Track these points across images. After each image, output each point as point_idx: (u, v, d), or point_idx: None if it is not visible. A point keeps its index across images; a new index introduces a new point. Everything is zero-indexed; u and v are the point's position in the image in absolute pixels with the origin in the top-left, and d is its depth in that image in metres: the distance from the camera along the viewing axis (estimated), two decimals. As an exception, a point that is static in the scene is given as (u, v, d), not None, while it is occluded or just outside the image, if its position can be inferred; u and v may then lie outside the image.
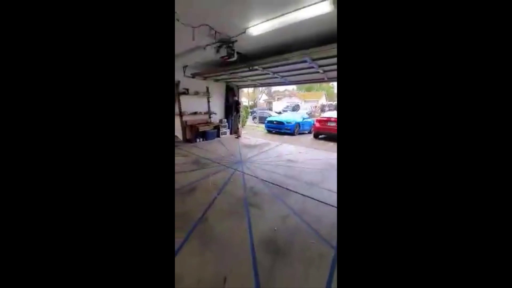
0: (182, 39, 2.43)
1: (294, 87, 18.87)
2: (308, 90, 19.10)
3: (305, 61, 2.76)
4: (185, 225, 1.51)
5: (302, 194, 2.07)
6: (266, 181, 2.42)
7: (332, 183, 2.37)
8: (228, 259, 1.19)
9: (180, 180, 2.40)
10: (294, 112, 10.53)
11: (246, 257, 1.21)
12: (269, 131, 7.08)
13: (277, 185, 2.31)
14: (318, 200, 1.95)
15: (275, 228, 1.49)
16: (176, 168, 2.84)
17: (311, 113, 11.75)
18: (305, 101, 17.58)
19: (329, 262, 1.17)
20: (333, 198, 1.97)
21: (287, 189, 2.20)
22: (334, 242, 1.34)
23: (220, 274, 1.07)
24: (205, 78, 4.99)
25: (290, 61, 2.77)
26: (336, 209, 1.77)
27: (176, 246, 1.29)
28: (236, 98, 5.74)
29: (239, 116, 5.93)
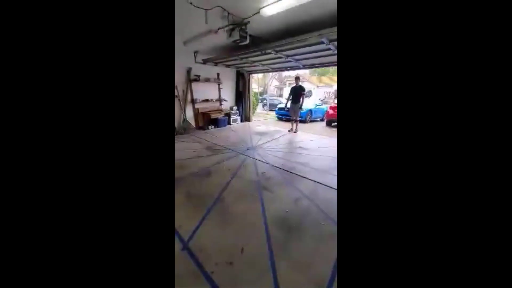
0: (194, 23, 2.38)
1: (306, 71, 17.86)
2: (322, 74, 17.99)
3: (322, 43, 2.60)
4: (204, 204, 1.66)
5: (313, 180, 2.12)
6: (277, 167, 2.49)
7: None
8: (244, 234, 1.31)
9: (197, 164, 2.56)
10: (306, 99, 10.14)
11: (261, 233, 1.32)
12: (280, 119, 6.98)
13: (288, 171, 2.37)
14: (329, 186, 1.99)
15: (287, 210, 1.59)
16: (192, 154, 3.01)
17: (324, 99, 11.21)
18: (318, 86, 16.70)
19: (339, 242, 1.25)
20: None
21: (298, 175, 2.26)
22: (344, 225, 1.41)
23: (238, 246, 1.21)
24: (216, 64, 4.91)
25: (305, 43, 2.62)
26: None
27: (197, 221, 1.44)
28: (299, 84, 4.28)
29: (301, 107, 4.40)
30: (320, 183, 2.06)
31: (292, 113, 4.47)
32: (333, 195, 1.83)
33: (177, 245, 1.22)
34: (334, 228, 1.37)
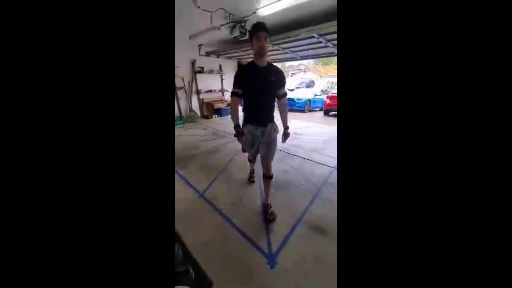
0: (200, 21, 2.71)
1: (310, 61, 17.49)
2: (326, 63, 17.59)
3: (313, 37, 2.89)
4: (213, 171, 2.15)
5: (301, 157, 2.56)
6: (273, 148, 2.93)
7: (330, 150, 2.80)
8: (243, 190, 1.80)
9: (206, 145, 3.05)
10: (308, 89, 10.28)
11: (255, 190, 1.80)
12: (280, 108, 7.27)
13: (282, 150, 2.81)
14: (314, 161, 2.43)
15: (277, 176, 2.05)
16: (199, 138, 3.47)
17: (326, 89, 11.28)
18: (321, 76, 16.51)
19: (313, 194, 1.73)
20: (327, 161, 2.44)
21: (290, 153, 2.70)
22: (319, 184, 1.88)
23: (238, 196, 1.69)
24: (218, 56, 5.20)
25: (298, 37, 2.92)
26: (328, 167, 2.25)
27: (209, 182, 1.94)
28: None
29: None
30: (307, 159, 2.50)
31: None
32: (315, 167, 2.28)
33: (194, 195, 1.73)
34: (310, 187, 1.84)
